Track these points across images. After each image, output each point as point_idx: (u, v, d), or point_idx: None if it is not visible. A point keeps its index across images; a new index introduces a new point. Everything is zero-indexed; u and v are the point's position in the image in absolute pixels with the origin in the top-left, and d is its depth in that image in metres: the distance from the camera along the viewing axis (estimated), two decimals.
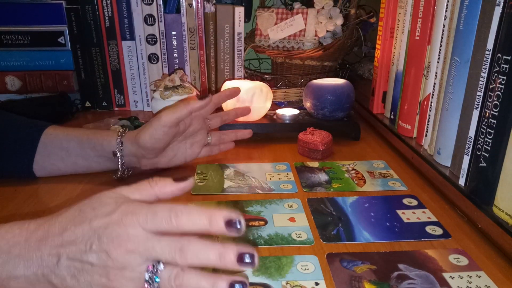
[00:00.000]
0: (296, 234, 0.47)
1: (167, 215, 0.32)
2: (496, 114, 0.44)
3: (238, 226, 0.31)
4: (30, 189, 0.57)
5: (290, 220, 0.50)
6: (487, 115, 0.45)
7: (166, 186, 0.36)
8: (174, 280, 0.31)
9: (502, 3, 0.44)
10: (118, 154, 0.56)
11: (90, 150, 0.57)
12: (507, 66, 0.42)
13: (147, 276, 0.31)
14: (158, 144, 0.56)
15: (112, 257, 0.31)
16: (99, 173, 0.60)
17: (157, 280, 0.31)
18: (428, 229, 0.48)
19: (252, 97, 0.72)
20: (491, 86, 0.45)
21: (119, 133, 0.57)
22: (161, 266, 0.31)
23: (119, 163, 0.57)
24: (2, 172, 0.58)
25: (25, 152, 0.56)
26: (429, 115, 0.62)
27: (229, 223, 0.31)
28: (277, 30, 0.92)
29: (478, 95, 0.48)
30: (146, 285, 0.31)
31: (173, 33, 0.91)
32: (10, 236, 0.33)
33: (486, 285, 0.39)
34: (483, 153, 0.46)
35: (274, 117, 0.77)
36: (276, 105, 0.90)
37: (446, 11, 0.57)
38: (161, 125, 0.54)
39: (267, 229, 0.48)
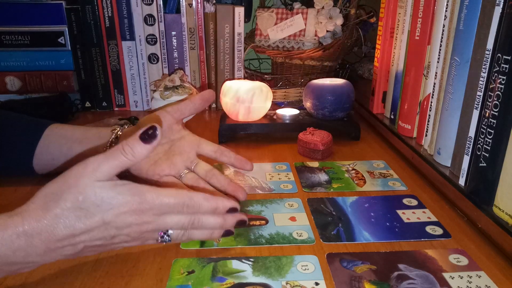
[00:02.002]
0: (297, 233, 0.47)
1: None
2: (496, 114, 0.44)
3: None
4: (30, 189, 0.57)
5: (291, 219, 0.50)
6: (487, 115, 0.45)
7: (140, 151, 0.37)
8: (181, 236, 0.40)
9: (502, 3, 0.44)
10: (118, 126, 0.57)
11: (89, 149, 0.57)
12: (507, 66, 0.42)
13: (159, 239, 0.40)
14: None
15: (128, 242, 0.39)
16: None
17: (169, 241, 0.40)
18: (428, 229, 0.48)
19: (252, 97, 0.72)
20: (491, 86, 0.45)
21: (109, 143, 0.55)
22: (171, 233, 0.40)
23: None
24: (3, 168, 0.58)
25: (26, 147, 0.56)
26: (429, 115, 0.62)
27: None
28: (277, 30, 0.92)
29: (478, 95, 0.48)
30: (159, 240, 0.40)
31: (173, 33, 0.91)
32: (15, 237, 0.34)
33: (486, 285, 0.39)
34: (483, 153, 0.46)
35: (274, 117, 0.77)
36: (276, 105, 0.90)
37: (446, 11, 0.57)
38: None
39: (268, 228, 0.48)
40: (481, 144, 0.46)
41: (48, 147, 0.57)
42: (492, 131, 0.45)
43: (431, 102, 0.62)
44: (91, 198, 0.35)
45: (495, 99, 0.44)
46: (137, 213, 0.37)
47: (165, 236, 0.40)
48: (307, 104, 0.76)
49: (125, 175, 0.60)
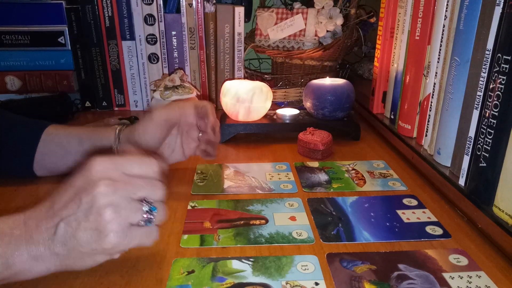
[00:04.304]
0: (297, 232, 0.47)
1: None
2: (496, 114, 0.44)
3: None
4: (30, 189, 0.57)
5: (291, 219, 0.50)
6: (487, 115, 0.45)
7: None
8: (167, 210, 0.38)
9: (502, 3, 0.44)
10: (116, 150, 0.56)
11: (90, 147, 0.57)
12: (507, 66, 0.42)
13: (145, 208, 0.36)
14: (151, 140, 0.55)
15: (101, 199, 0.34)
16: None
17: (154, 210, 0.37)
18: (428, 229, 0.48)
19: (252, 97, 0.72)
20: (491, 86, 0.45)
21: (117, 130, 0.57)
22: (153, 203, 0.37)
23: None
24: (2, 170, 0.58)
25: (25, 150, 0.56)
26: (429, 115, 0.62)
27: None
28: (277, 30, 0.92)
29: (478, 95, 0.48)
30: (144, 216, 0.36)
31: (173, 33, 0.91)
32: (11, 221, 0.36)
33: (486, 285, 0.39)
34: (483, 153, 0.46)
35: (274, 117, 0.77)
36: (276, 105, 0.90)
37: (446, 11, 0.57)
38: (151, 120, 0.54)
39: (268, 228, 0.48)
40: (481, 144, 0.46)
41: (49, 155, 0.57)
42: (492, 131, 0.45)
43: (431, 102, 0.62)
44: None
45: (495, 99, 0.44)
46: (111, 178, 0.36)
47: (150, 207, 0.37)
48: (307, 104, 0.76)
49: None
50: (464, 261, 0.43)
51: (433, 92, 0.61)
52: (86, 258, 0.36)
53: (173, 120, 0.56)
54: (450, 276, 0.40)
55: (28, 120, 0.59)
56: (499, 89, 0.43)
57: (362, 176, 0.62)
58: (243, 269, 0.41)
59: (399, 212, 0.52)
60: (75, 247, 0.35)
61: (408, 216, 0.51)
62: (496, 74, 0.44)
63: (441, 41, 0.59)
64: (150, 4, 0.88)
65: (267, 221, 0.50)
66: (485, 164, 0.46)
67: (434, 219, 0.50)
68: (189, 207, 0.53)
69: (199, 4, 0.89)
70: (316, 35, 0.90)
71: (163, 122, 0.55)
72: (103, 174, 0.35)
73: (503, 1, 0.44)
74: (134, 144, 0.56)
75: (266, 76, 0.97)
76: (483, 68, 0.47)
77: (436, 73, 0.60)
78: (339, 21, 0.88)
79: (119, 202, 0.35)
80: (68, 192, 0.36)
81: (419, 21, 0.63)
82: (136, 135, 0.55)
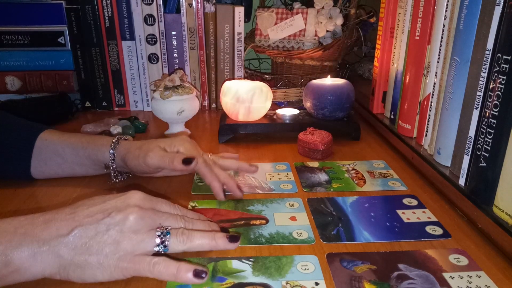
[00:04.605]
0: (297, 233, 0.47)
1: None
2: (496, 114, 0.44)
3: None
4: (30, 190, 0.57)
5: (291, 219, 0.50)
6: (487, 115, 0.45)
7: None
8: (181, 235, 0.40)
9: (502, 3, 0.44)
10: (111, 167, 0.57)
11: (85, 158, 0.57)
12: (507, 66, 0.42)
13: (158, 233, 0.39)
14: (144, 172, 0.58)
15: (131, 219, 0.38)
16: (99, 174, 0.60)
17: (168, 234, 0.39)
18: (428, 229, 0.48)
19: (252, 97, 0.72)
20: (491, 86, 0.45)
21: (112, 144, 0.56)
22: (169, 228, 0.40)
23: (112, 174, 0.58)
24: (1, 173, 0.58)
25: (21, 156, 0.56)
26: (429, 115, 0.62)
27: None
28: (277, 30, 0.92)
29: (478, 95, 0.48)
30: (158, 240, 0.39)
31: (173, 33, 0.91)
32: (16, 221, 0.37)
33: (486, 285, 0.39)
34: (483, 153, 0.46)
35: (274, 117, 0.77)
36: (276, 105, 0.90)
37: (446, 11, 0.57)
38: (144, 163, 0.53)
39: (268, 228, 0.48)
40: (481, 144, 0.46)
41: (45, 162, 0.57)
42: (492, 131, 0.45)
43: (431, 102, 0.62)
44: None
45: (495, 99, 0.44)
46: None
47: (164, 231, 0.39)
48: (307, 104, 0.76)
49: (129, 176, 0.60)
50: (464, 261, 0.43)
51: (433, 92, 0.61)
52: (87, 270, 0.37)
53: (163, 167, 0.54)
54: (450, 276, 0.40)
55: (23, 124, 0.59)
56: (499, 89, 0.43)
57: (362, 176, 0.62)
58: (243, 269, 0.41)
59: (399, 212, 0.52)
60: (82, 254, 0.36)
61: (408, 216, 0.51)
62: (496, 74, 0.44)
63: (441, 41, 0.59)
64: (150, 4, 0.88)
65: (267, 221, 0.50)
66: (485, 164, 0.46)
67: (434, 219, 0.50)
68: (189, 207, 0.53)
69: (199, 4, 0.89)
70: (316, 35, 0.90)
71: (154, 167, 0.54)
72: (138, 202, 0.40)
73: (503, 1, 0.44)
74: (127, 166, 0.56)
75: (266, 76, 0.97)
76: (483, 68, 0.47)
77: (436, 73, 0.60)
78: (339, 21, 0.88)
79: (142, 227, 0.39)
80: (99, 206, 0.39)
81: (419, 21, 0.63)
82: (128, 166, 0.55)
